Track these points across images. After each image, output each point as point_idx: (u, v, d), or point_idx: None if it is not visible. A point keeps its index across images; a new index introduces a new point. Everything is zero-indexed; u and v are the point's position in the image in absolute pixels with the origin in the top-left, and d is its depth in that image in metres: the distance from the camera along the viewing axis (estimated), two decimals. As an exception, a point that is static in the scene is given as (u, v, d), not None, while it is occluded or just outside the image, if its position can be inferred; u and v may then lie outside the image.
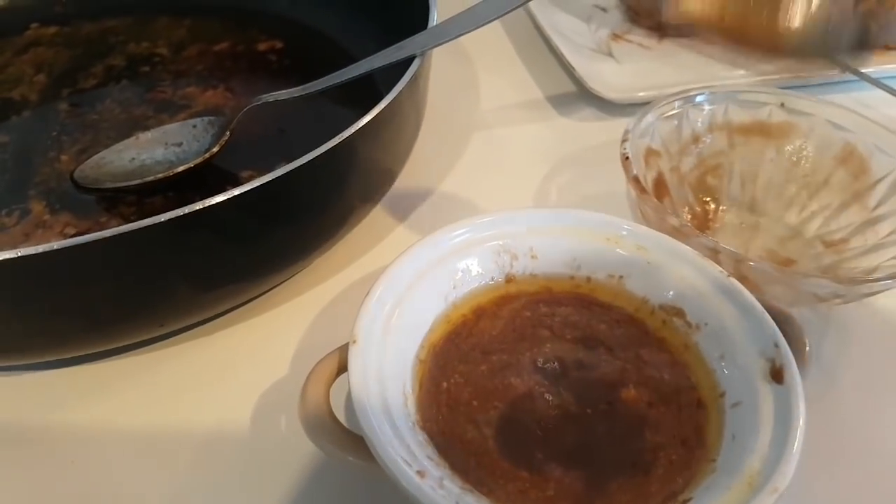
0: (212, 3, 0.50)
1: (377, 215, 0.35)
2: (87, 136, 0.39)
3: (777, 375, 0.23)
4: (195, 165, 0.35)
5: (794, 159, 0.35)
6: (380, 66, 0.34)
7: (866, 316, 0.33)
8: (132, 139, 0.36)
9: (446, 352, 0.26)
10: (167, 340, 0.31)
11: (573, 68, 0.46)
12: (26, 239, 0.32)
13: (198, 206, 0.24)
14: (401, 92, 0.30)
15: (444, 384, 0.25)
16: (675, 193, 0.35)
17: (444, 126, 0.43)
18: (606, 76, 0.46)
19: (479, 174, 0.41)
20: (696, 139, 0.36)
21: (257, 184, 0.25)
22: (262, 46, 0.46)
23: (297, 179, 0.26)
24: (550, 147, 0.43)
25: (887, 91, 0.43)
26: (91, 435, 0.28)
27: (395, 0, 0.41)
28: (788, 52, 0.27)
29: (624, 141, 0.32)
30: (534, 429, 0.23)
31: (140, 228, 0.23)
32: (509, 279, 0.28)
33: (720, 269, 0.26)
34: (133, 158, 0.36)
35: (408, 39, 0.34)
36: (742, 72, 0.48)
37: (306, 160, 0.26)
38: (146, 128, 0.38)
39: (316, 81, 0.35)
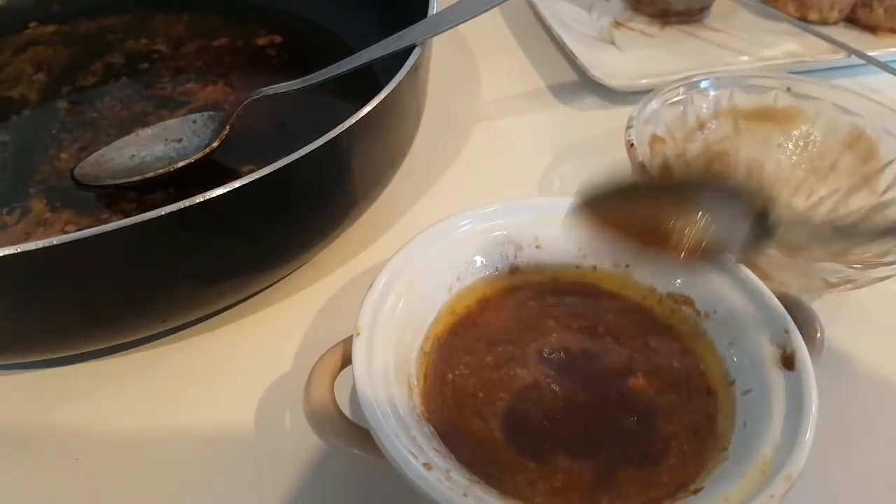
0: (210, -1, 0.49)
1: (379, 207, 0.34)
2: (86, 133, 0.38)
3: (788, 362, 0.22)
4: (195, 161, 0.34)
5: (802, 144, 0.35)
6: (379, 56, 0.34)
7: (877, 301, 0.32)
8: (132, 136, 0.36)
9: (451, 343, 0.26)
10: (170, 336, 0.30)
11: (575, 56, 0.45)
12: (28, 237, 0.32)
13: (198, 199, 0.23)
14: (401, 82, 0.29)
15: (450, 376, 0.25)
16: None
17: (445, 117, 0.43)
18: (609, 64, 0.45)
19: (482, 165, 0.41)
20: (701, 125, 0.35)
21: (257, 176, 0.24)
22: (261, 41, 0.46)
23: (297, 172, 0.26)
24: (553, 136, 0.42)
25: (894, 74, 0.42)
26: (94, 432, 0.27)
27: (393, -9, 0.41)
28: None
29: (629, 128, 0.32)
30: (540, 419, 0.23)
31: (140, 223, 0.22)
32: (514, 269, 0.28)
33: (729, 255, 0.26)
34: (133, 155, 0.36)
35: (407, 29, 0.34)
36: (746, 57, 0.47)
37: (306, 152, 0.26)
38: (146, 124, 0.37)
39: (315, 73, 0.35)
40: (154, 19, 0.48)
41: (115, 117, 0.40)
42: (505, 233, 0.28)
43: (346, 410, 0.23)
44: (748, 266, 0.25)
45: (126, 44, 0.46)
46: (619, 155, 0.31)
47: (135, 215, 0.22)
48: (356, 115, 0.27)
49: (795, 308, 0.24)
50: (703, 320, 0.25)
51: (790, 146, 0.35)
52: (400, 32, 0.33)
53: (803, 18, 0.49)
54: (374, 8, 0.44)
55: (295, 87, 0.35)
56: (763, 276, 0.25)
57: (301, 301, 0.32)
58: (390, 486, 0.25)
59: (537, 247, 0.28)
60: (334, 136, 0.26)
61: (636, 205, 0.23)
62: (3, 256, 0.21)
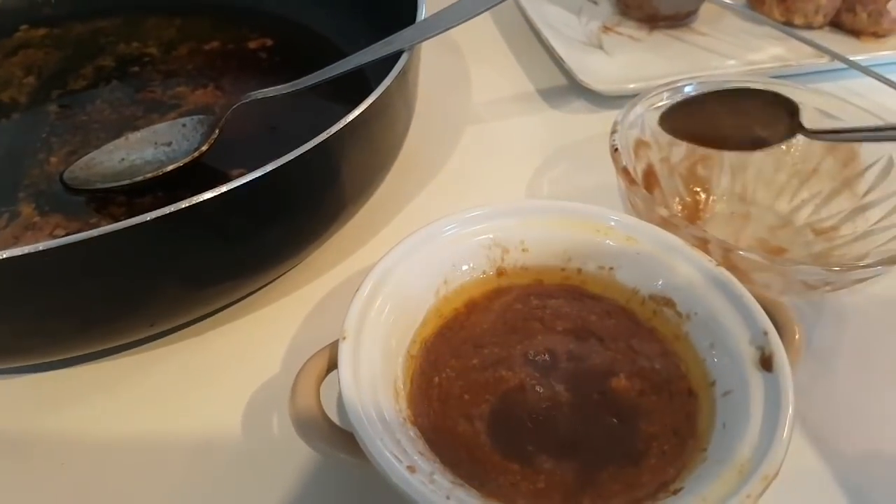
0: (202, 2, 0.49)
1: (369, 211, 0.35)
2: (76, 137, 0.39)
3: (766, 363, 0.23)
4: (185, 164, 0.34)
5: (784, 148, 0.35)
6: (369, 61, 0.34)
7: (859, 303, 0.33)
8: (122, 139, 0.36)
9: (438, 346, 0.26)
10: (158, 341, 0.31)
11: (563, 61, 0.46)
12: (16, 241, 0.32)
13: (184, 203, 0.23)
14: (389, 86, 0.30)
15: (436, 378, 0.25)
16: (665, 184, 0.35)
17: (435, 120, 0.43)
18: (597, 68, 0.46)
19: (471, 168, 0.41)
20: None
21: (246, 180, 0.25)
22: (252, 44, 0.46)
23: (286, 175, 0.26)
24: (542, 140, 0.43)
25: (877, 79, 0.43)
26: (81, 437, 0.27)
27: (383, -5, 0.41)
28: None
29: (613, 133, 0.32)
30: (525, 421, 0.23)
31: (126, 227, 0.23)
32: (500, 272, 0.28)
33: (709, 258, 0.26)
34: (123, 159, 0.36)
35: (396, 34, 0.34)
36: (732, 61, 0.48)
37: (295, 155, 0.26)
38: (136, 128, 0.38)
39: (305, 77, 0.35)
40: (146, 22, 0.48)
41: (105, 121, 0.40)
42: (491, 236, 0.28)
43: (333, 414, 0.23)
44: (729, 270, 0.26)
45: (117, 47, 0.46)
46: (607, 158, 0.32)
47: (124, 219, 0.23)
48: (345, 118, 0.27)
49: (775, 310, 0.25)
50: (685, 322, 0.26)
51: (773, 150, 0.36)
52: (389, 37, 0.34)
53: (788, 23, 0.50)
54: (365, 12, 0.44)
55: (285, 91, 0.35)
56: (744, 277, 0.26)
57: (290, 304, 0.33)
58: (377, 489, 0.25)
59: (523, 250, 0.29)
60: (323, 139, 0.27)
61: (703, 114, 0.34)
62: (-10, 261, 0.22)
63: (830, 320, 0.32)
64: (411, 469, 0.20)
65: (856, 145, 0.33)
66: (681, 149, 0.36)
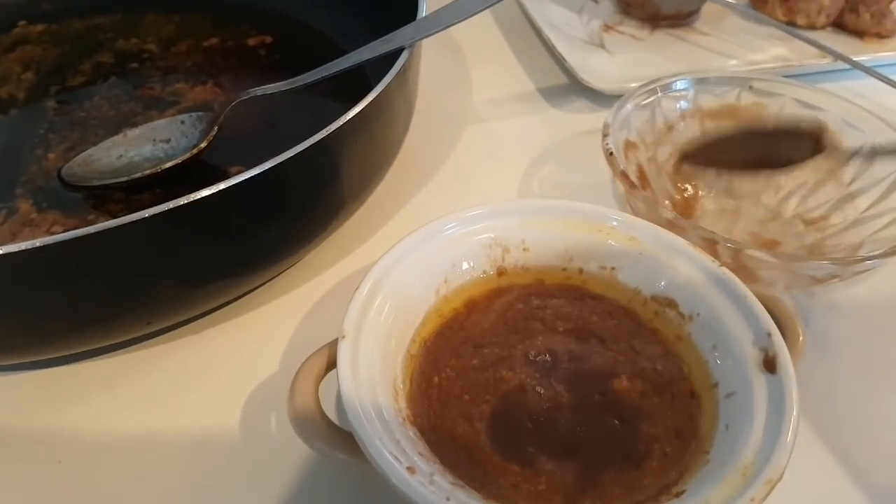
0: (200, -1, 0.49)
1: (369, 209, 0.34)
2: (74, 133, 0.38)
3: (770, 365, 0.23)
4: (183, 161, 0.34)
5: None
6: (368, 58, 0.34)
7: (852, 291, 0.32)
8: (120, 136, 0.36)
9: (438, 346, 0.26)
10: (156, 339, 0.30)
11: (564, 60, 0.45)
12: (13, 238, 0.32)
13: (182, 200, 0.23)
14: (389, 84, 0.29)
15: (436, 378, 0.25)
16: (654, 184, 0.35)
17: (436, 119, 0.43)
18: (598, 67, 0.46)
19: (472, 167, 0.41)
20: (669, 128, 0.36)
21: (244, 177, 0.24)
22: (251, 41, 0.46)
23: (284, 173, 0.26)
24: (542, 139, 0.43)
25: (879, 79, 0.43)
26: (79, 435, 0.27)
27: (384, -8, 0.41)
28: None
29: (605, 136, 0.32)
30: (525, 422, 0.23)
31: (124, 224, 0.22)
32: (501, 272, 0.28)
33: (711, 259, 0.26)
34: (121, 155, 0.35)
35: (396, 31, 0.34)
36: (734, 61, 0.47)
37: (293, 153, 0.26)
38: (134, 124, 0.37)
39: (304, 75, 0.35)
40: (144, 19, 0.48)
41: (104, 117, 0.40)
42: (492, 235, 0.28)
43: (332, 414, 0.23)
44: (737, 269, 0.25)
45: (116, 43, 0.46)
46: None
47: (122, 216, 0.22)
48: (344, 116, 0.27)
49: (777, 311, 0.24)
50: (687, 323, 0.26)
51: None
52: (389, 35, 0.34)
53: (791, 23, 0.50)
54: (364, 9, 0.44)
55: (284, 88, 0.35)
56: (749, 275, 0.25)
57: (289, 302, 0.32)
58: (375, 489, 0.25)
59: (524, 249, 0.28)
60: (322, 137, 0.26)
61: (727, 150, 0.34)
62: (-15, 258, 0.21)
63: (824, 309, 0.32)
64: (411, 470, 0.20)
65: (837, 133, 0.34)
66: (666, 147, 0.36)
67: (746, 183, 0.34)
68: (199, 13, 0.49)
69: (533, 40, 0.51)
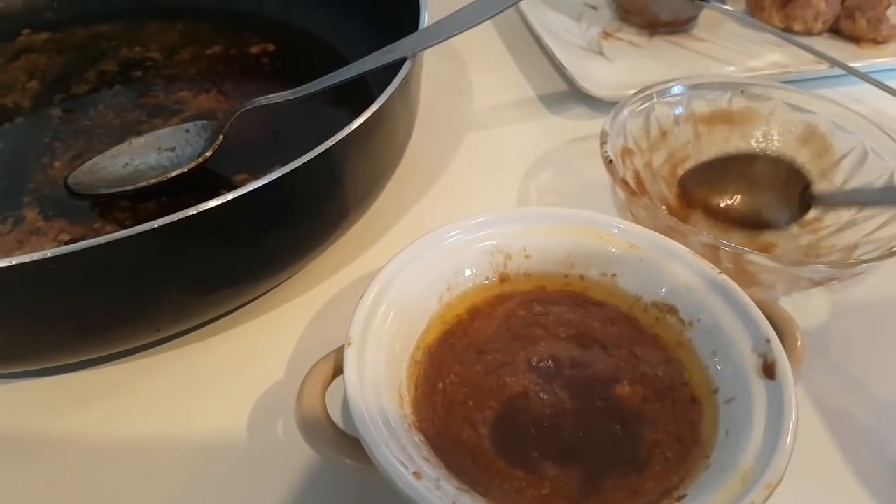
0: (203, 7, 0.50)
1: (372, 217, 0.35)
2: (80, 141, 0.39)
3: (769, 371, 0.23)
4: (189, 170, 0.35)
5: (759, 143, 0.36)
6: (371, 68, 0.34)
7: (850, 292, 0.33)
8: (125, 144, 0.36)
9: (441, 352, 0.26)
10: (163, 346, 0.31)
11: (564, 67, 0.46)
12: (20, 246, 0.32)
13: (192, 210, 0.24)
14: (392, 94, 0.30)
15: (440, 384, 0.25)
16: (651, 189, 0.35)
17: (437, 127, 0.43)
18: (597, 74, 0.46)
19: (473, 174, 0.41)
20: (664, 134, 0.36)
21: (252, 187, 0.25)
22: (254, 49, 0.46)
23: (291, 183, 0.26)
24: (542, 145, 0.43)
25: (876, 85, 0.43)
26: (88, 441, 0.28)
27: (386, 2, 0.41)
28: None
29: (603, 143, 0.32)
30: (529, 428, 0.24)
31: (135, 234, 0.23)
32: (503, 279, 0.29)
33: (711, 265, 0.26)
34: (126, 164, 0.36)
35: (399, 42, 0.34)
36: (732, 67, 0.48)
37: (300, 163, 0.26)
38: (139, 133, 0.38)
39: (308, 84, 0.35)
40: (147, 27, 0.48)
41: (109, 125, 0.40)
42: (494, 242, 0.28)
43: (338, 420, 0.23)
44: (737, 273, 0.26)
45: (119, 51, 0.46)
46: (606, 164, 0.32)
47: (128, 224, 0.23)
48: (348, 126, 0.28)
49: (776, 317, 0.25)
50: (687, 329, 0.26)
51: (749, 146, 0.36)
52: (391, 45, 0.34)
53: (788, 29, 0.50)
54: (366, 19, 0.44)
55: (289, 98, 0.35)
56: (750, 279, 0.26)
57: (294, 309, 0.33)
58: (381, 494, 0.25)
59: (526, 256, 0.29)
60: (327, 147, 0.27)
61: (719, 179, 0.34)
62: (-3, 268, 0.22)
63: (821, 309, 0.32)
64: (417, 475, 0.20)
65: (828, 136, 0.34)
66: (661, 153, 0.36)
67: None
68: (202, 21, 0.49)
69: (532, 47, 0.52)
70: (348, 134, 0.27)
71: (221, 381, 0.30)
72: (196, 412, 0.29)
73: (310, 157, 0.26)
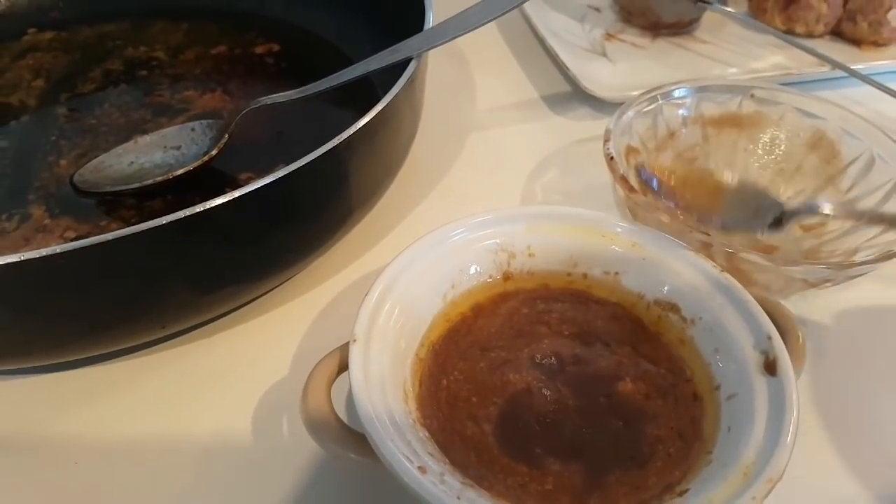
0: (208, 7, 0.50)
1: (376, 216, 0.35)
2: (85, 140, 0.39)
3: (770, 368, 0.23)
4: (194, 168, 0.35)
5: (767, 148, 0.36)
6: (376, 68, 0.34)
7: (848, 295, 0.33)
8: (131, 143, 0.37)
9: (446, 349, 0.26)
10: (168, 343, 0.31)
11: (567, 68, 0.46)
12: (27, 243, 0.32)
13: (199, 208, 0.24)
14: (397, 94, 0.30)
15: (444, 381, 0.25)
16: (656, 189, 0.35)
17: (441, 127, 0.44)
18: (600, 75, 0.46)
19: (477, 174, 0.41)
20: (671, 134, 0.36)
21: (257, 186, 0.25)
22: (259, 49, 0.46)
23: (295, 181, 0.26)
24: (545, 145, 0.43)
25: (877, 87, 0.43)
26: (94, 437, 0.28)
27: (390, 2, 0.42)
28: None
29: (606, 141, 0.33)
30: (532, 424, 0.24)
31: (142, 231, 0.23)
32: (507, 277, 0.29)
33: (713, 263, 0.26)
34: (132, 162, 0.36)
35: (404, 42, 0.34)
36: (734, 69, 0.48)
37: (305, 162, 0.26)
38: (145, 131, 0.38)
39: (313, 84, 0.35)
40: (153, 27, 0.49)
41: (114, 124, 0.40)
42: (498, 241, 0.29)
43: (343, 416, 0.24)
44: (732, 272, 0.26)
45: (125, 51, 0.46)
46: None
47: (134, 222, 0.23)
48: (354, 126, 0.28)
49: (777, 315, 0.25)
50: (689, 327, 0.26)
51: (757, 150, 0.36)
52: (396, 45, 0.34)
53: (790, 32, 0.51)
54: (371, 19, 0.45)
55: (294, 97, 0.35)
56: (745, 279, 0.26)
57: (298, 307, 0.33)
58: (387, 490, 0.26)
59: (530, 255, 0.29)
60: (333, 146, 0.27)
61: None
62: (5, 264, 0.22)
63: (819, 312, 0.33)
64: (422, 470, 0.20)
65: (836, 141, 0.34)
66: (668, 153, 0.36)
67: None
68: (207, 22, 0.49)
69: (536, 49, 0.52)
70: (354, 133, 0.28)
71: (226, 378, 0.30)
72: (201, 409, 0.29)
73: (315, 156, 0.27)
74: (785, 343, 0.24)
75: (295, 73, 0.45)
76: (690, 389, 0.25)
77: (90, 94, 0.43)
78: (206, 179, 0.35)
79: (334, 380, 0.24)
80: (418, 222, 0.38)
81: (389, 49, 0.34)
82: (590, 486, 0.22)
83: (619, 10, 0.54)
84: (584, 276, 0.29)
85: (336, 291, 0.34)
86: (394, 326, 0.25)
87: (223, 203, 0.24)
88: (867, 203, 0.33)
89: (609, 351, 0.26)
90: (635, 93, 0.44)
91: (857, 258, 0.30)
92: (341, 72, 0.35)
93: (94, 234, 0.22)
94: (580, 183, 0.40)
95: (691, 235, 0.28)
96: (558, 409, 0.24)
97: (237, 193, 0.25)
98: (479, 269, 0.28)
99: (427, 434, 0.23)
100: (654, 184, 0.35)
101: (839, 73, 0.46)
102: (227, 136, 0.36)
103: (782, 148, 0.36)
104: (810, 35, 0.51)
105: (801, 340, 0.25)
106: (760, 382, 0.23)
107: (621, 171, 0.31)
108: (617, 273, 0.28)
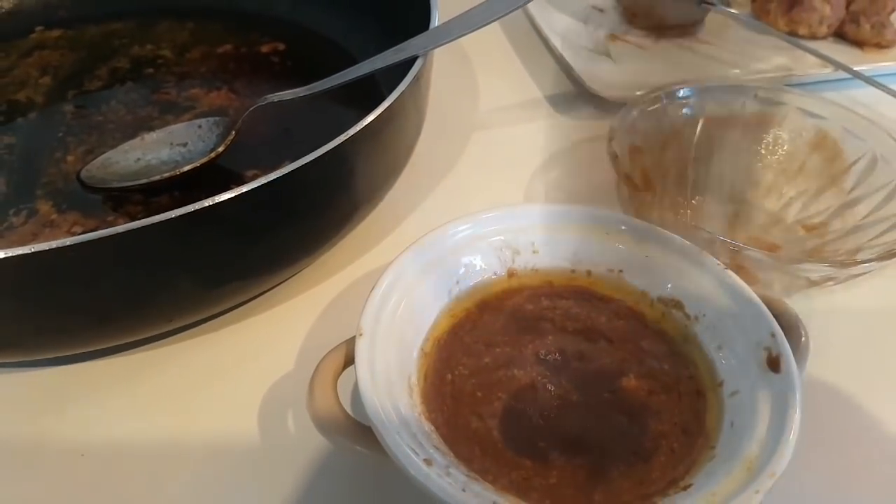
0: (214, 6, 0.50)
1: (381, 212, 0.35)
2: (92, 137, 0.39)
3: (774, 364, 0.23)
4: (200, 165, 0.35)
5: (770, 148, 0.36)
6: (382, 66, 0.35)
7: (851, 294, 0.33)
8: (138, 140, 0.37)
9: (450, 345, 0.27)
10: (175, 336, 0.31)
11: (572, 68, 0.46)
12: (35, 238, 0.33)
13: (206, 203, 0.24)
14: (403, 92, 0.30)
15: (449, 376, 0.26)
16: (659, 187, 0.36)
17: (445, 126, 0.44)
18: (604, 75, 0.47)
19: (480, 172, 0.41)
20: (676, 133, 0.37)
21: (265, 181, 0.25)
22: (264, 48, 0.47)
23: (302, 177, 0.27)
24: (549, 145, 0.43)
25: (880, 89, 0.43)
26: (101, 429, 0.28)
27: (395, 2, 0.42)
28: None
29: (611, 140, 0.33)
30: (536, 419, 0.24)
31: (150, 225, 0.23)
32: (511, 274, 0.29)
33: (717, 261, 0.27)
34: (139, 159, 0.36)
35: (409, 41, 0.34)
36: (737, 70, 0.48)
37: (311, 158, 0.26)
38: (151, 129, 0.38)
39: (320, 82, 0.36)
40: (159, 26, 0.49)
41: (121, 121, 0.40)
42: (503, 238, 0.29)
43: (349, 409, 0.24)
44: (735, 270, 0.26)
45: (131, 49, 0.47)
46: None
47: (140, 217, 0.23)
48: (360, 123, 0.28)
49: (781, 313, 0.25)
50: (693, 324, 0.26)
51: (760, 150, 0.37)
52: (402, 44, 0.34)
53: (793, 33, 0.51)
54: (376, 18, 0.45)
55: (299, 95, 0.35)
56: (749, 277, 0.26)
57: (304, 302, 0.33)
58: (393, 484, 0.26)
59: (534, 252, 0.29)
60: (338, 143, 0.27)
61: None
62: (15, 256, 0.22)
63: (823, 312, 0.33)
64: (428, 462, 0.20)
65: (839, 142, 0.35)
66: (671, 153, 0.36)
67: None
68: (213, 20, 0.49)
69: (540, 49, 0.52)
70: (360, 130, 0.28)
71: (232, 372, 0.30)
72: (207, 402, 0.29)
73: (321, 153, 0.27)
74: (788, 340, 0.24)
75: (300, 72, 0.45)
76: (694, 385, 0.25)
77: (97, 92, 0.43)
78: (212, 177, 0.36)
79: (340, 373, 0.24)
80: (422, 220, 0.38)
81: (395, 48, 0.35)
82: (594, 481, 0.22)
83: (622, 11, 0.54)
84: (588, 273, 0.29)
85: (341, 287, 0.34)
86: (399, 321, 0.25)
87: (230, 198, 0.25)
88: (870, 203, 0.33)
89: (613, 347, 0.26)
90: (639, 93, 0.44)
91: (860, 257, 0.30)
92: (347, 70, 0.35)
93: (102, 230, 0.23)
94: (585, 182, 0.41)
95: (695, 233, 0.28)
96: (562, 405, 0.24)
97: (244, 189, 0.25)
98: (483, 265, 0.29)
99: (432, 428, 0.23)
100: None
101: (842, 74, 0.46)
102: (233, 133, 0.36)
103: (785, 148, 0.36)
104: (813, 37, 0.51)
105: (804, 338, 0.25)
106: (764, 379, 0.23)
107: (625, 170, 0.32)
108: (621, 270, 0.28)
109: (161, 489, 0.26)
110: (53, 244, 0.22)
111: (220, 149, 0.35)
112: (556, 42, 0.49)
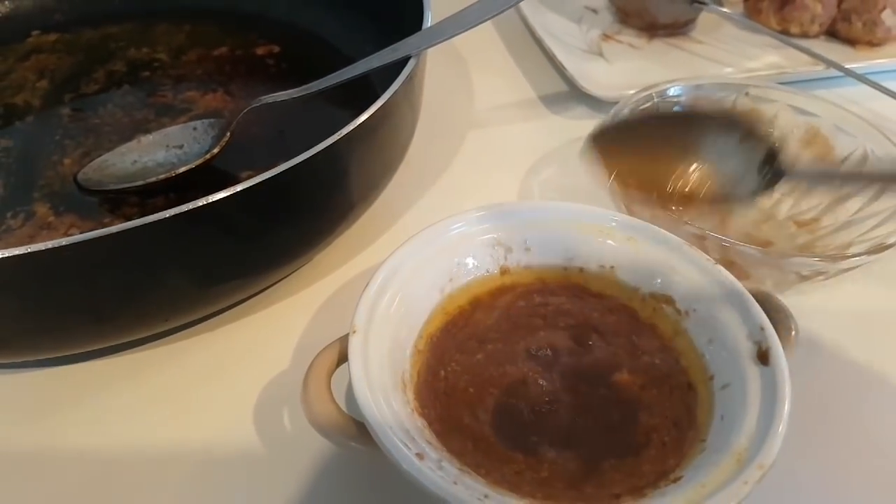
0: (210, 9, 0.50)
1: (376, 211, 0.35)
2: (89, 139, 0.39)
3: (763, 357, 0.24)
4: (196, 167, 0.35)
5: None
6: (376, 66, 0.35)
7: (839, 290, 0.33)
8: (134, 142, 0.37)
9: (443, 342, 0.27)
10: (172, 336, 0.31)
11: (565, 68, 0.47)
12: (31, 240, 0.33)
13: (201, 202, 0.24)
14: (396, 91, 0.30)
15: (442, 373, 0.26)
16: (650, 185, 0.36)
17: (439, 125, 0.44)
18: (597, 75, 0.47)
19: (475, 171, 0.42)
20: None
21: (259, 180, 0.25)
22: (259, 50, 0.47)
23: (296, 177, 0.27)
24: (543, 144, 0.44)
25: (871, 86, 0.44)
26: (99, 428, 0.28)
27: (389, 3, 0.42)
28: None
29: (594, 137, 0.33)
30: (528, 413, 0.24)
31: (145, 225, 0.23)
32: (504, 271, 0.29)
33: (707, 256, 0.27)
34: (135, 161, 0.37)
35: (402, 41, 0.35)
36: (730, 69, 0.49)
37: (305, 157, 0.27)
38: (147, 131, 0.38)
39: (314, 82, 0.36)
40: (155, 29, 0.49)
41: (117, 124, 0.41)
42: (495, 236, 0.29)
43: (343, 405, 0.24)
44: (727, 266, 0.26)
45: (128, 52, 0.47)
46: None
47: (137, 219, 0.23)
48: (353, 122, 0.28)
49: (771, 306, 0.25)
50: (684, 318, 0.27)
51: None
52: (395, 44, 0.35)
53: (785, 32, 0.51)
54: (370, 19, 0.45)
55: (294, 96, 0.36)
56: (740, 272, 0.26)
57: (299, 301, 0.33)
58: (388, 481, 0.26)
59: (526, 249, 0.29)
60: (332, 142, 0.27)
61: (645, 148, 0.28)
62: (12, 257, 0.22)
63: (814, 308, 0.33)
64: (420, 456, 0.21)
65: (830, 138, 0.35)
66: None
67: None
68: (208, 23, 0.50)
69: (533, 49, 0.52)
70: (354, 128, 0.28)
71: (228, 371, 0.30)
72: (204, 401, 0.29)
73: (315, 152, 0.27)
74: (777, 334, 0.24)
75: (295, 74, 0.45)
76: (685, 379, 0.25)
77: (93, 95, 0.43)
78: (207, 178, 0.36)
79: (334, 370, 0.24)
80: (416, 219, 0.38)
81: (389, 48, 0.35)
82: (585, 474, 0.22)
83: (615, 11, 0.55)
84: (580, 270, 0.29)
85: (336, 286, 0.34)
86: (393, 318, 0.26)
87: (224, 197, 0.25)
88: (861, 199, 0.33)
89: (605, 343, 0.27)
90: (631, 92, 0.45)
91: (850, 252, 0.30)
92: (342, 70, 0.36)
93: (98, 231, 0.23)
94: (578, 181, 0.41)
95: (685, 229, 0.29)
96: (554, 400, 0.25)
97: (238, 188, 0.25)
98: (476, 263, 0.29)
99: (425, 423, 0.23)
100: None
101: (834, 72, 0.46)
102: (228, 134, 0.36)
103: (777, 145, 0.37)
104: (805, 35, 0.51)
105: (793, 332, 0.25)
106: (753, 372, 0.23)
107: (616, 168, 0.32)
108: (612, 267, 0.29)
109: (159, 487, 0.26)
110: (49, 244, 0.23)
111: (216, 150, 0.36)
112: (549, 42, 0.49)
